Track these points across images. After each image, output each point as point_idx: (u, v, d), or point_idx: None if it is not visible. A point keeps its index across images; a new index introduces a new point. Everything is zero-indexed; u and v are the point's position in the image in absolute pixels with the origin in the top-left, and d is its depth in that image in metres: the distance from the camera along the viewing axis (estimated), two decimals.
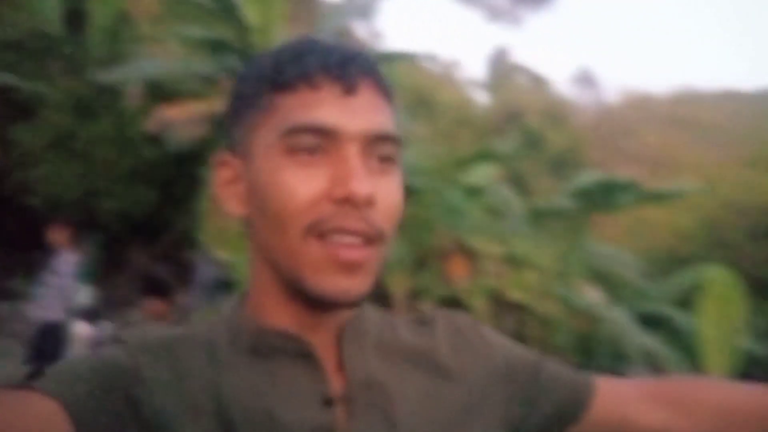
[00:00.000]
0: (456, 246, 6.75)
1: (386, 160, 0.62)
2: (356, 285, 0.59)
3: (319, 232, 0.58)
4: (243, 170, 0.64)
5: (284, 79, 0.61)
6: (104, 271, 6.57)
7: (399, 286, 6.40)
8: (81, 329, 5.42)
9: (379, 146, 0.61)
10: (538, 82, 21.88)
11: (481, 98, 25.30)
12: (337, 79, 0.60)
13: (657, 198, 7.38)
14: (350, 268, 0.58)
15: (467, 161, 8.27)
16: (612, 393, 0.75)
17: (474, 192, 8.15)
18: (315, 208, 0.58)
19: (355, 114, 0.60)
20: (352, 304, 0.61)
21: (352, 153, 0.59)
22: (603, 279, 7.83)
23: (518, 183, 10.00)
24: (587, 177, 8.01)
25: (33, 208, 7.37)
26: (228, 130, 0.67)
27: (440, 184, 7.16)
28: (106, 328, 6.50)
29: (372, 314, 0.70)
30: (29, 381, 0.55)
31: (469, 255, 6.71)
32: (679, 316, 6.71)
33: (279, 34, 7.07)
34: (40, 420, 0.51)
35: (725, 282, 5.48)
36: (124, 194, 7.43)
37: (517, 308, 6.67)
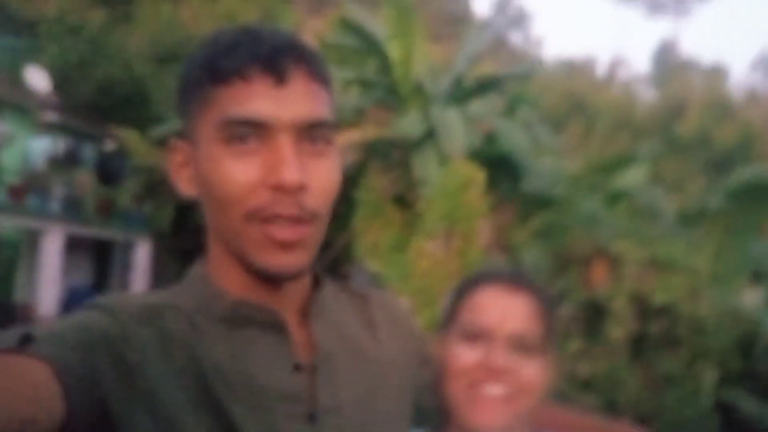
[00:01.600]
0: (596, 251, 6.78)
1: (321, 143, 0.65)
2: (294, 260, 0.64)
3: (257, 218, 0.63)
4: (191, 155, 0.68)
5: (219, 72, 0.64)
6: None
7: None
8: None
9: (313, 132, 0.64)
10: (709, 73, 20.16)
11: (647, 96, 23.82)
12: (268, 71, 0.63)
13: None
14: (287, 246, 0.64)
15: (609, 167, 8.21)
16: None
17: (618, 196, 8.06)
18: (252, 195, 0.63)
19: (286, 104, 0.64)
20: (294, 276, 0.66)
21: (284, 142, 0.63)
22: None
23: (674, 184, 9.48)
24: (744, 174, 7.55)
25: None
26: (178, 116, 0.71)
27: (578, 192, 7.24)
28: None
29: (328, 289, 0.76)
30: (20, 346, 0.54)
31: (610, 260, 6.70)
32: None
33: (419, 65, 7.69)
34: (34, 385, 0.51)
35: None
36: None
37: (664, 311, 6.53)
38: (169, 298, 0.68)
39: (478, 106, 8.24)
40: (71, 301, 10.94)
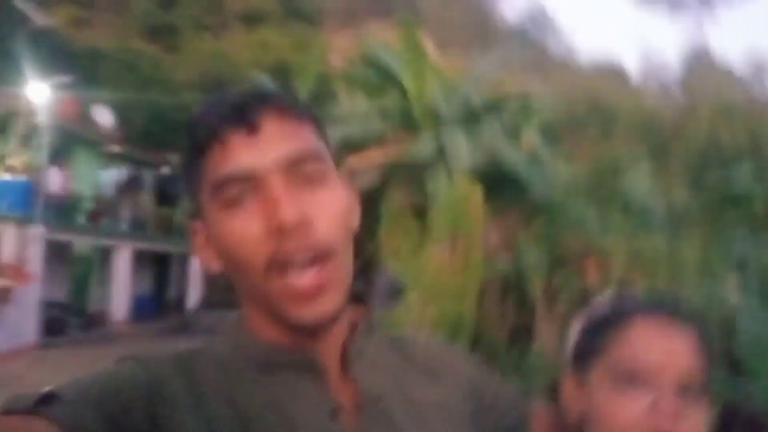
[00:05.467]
0: (587, 248, 7.73)
1: (313, 177, 0.66)
2: (321, 308, 0.64)
3: (274, 269, 0.63)
4: (208, 233, 0.69)
5: (198, 145, 0.67)
6: None
7: (536, 287, 7.60)
8: None
9: (301, 167, 0.66)
10: (731, 76, 20.55)
11: (669, 101, 24.25)
12: (238, 125, 0.65)
13: None
14: (310, 295, 0.63)
15: (605, 171, 9.14)
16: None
17: (612, 198, 8.99)
18: (262, 247, 0.63)
19: (264, 150, 0.65)
20: (329, 321, 0.66)
21: (273, 185, 0.64)
22: (748, 269, 8.08)
23: (671, 185, 10.31)
24: (721, 175, 8.39)
25: None
26: (192, 202, 0.72)
27: (572, 196, 8.22)
28: None
29: (365, 332, 0.76)
30: (41, 404, 0.53)
31: (600, 255, 7.64)
32: None
33: (432, 95, 8.78)
34: None
35: None
36: None
37: None
38: (202, 348, 0.68)
39: (489, 124, 9.28)
40: (137, 307, 12.54)
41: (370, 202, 9.79)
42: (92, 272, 12.62)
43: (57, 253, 11.56)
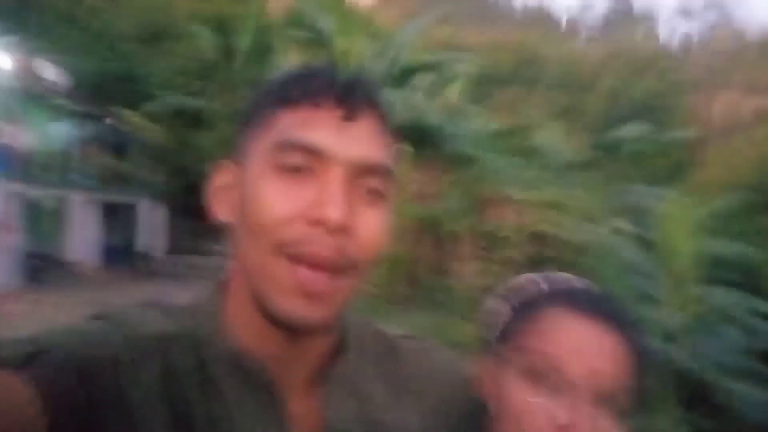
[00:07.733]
0: (499, 196, 8.79)
1: (374, 192, 0.60)
2: (317, 313, 0.58)
3: (289, 252, 0.57)
4: (240, 178, 0.62)
5: (289, 96, 0.60)
6: None
7: (458, 225, 8.64)
8: None
9: (368, 178, 0.60)
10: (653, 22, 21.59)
11: (595, 47, 25.46)
12: (339, 103, 0.59)
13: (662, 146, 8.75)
14: (314, 296, 0.57)
15: (520, 129, 10.18)
16: None
17: (526, 152, 10.04)
18: (289, 227, 0.57)
19: (349, 140, 0.59)
20: (311, 331, 0.60)
21: (337, 178, 0.58)
22: (636, 213, 9.33)
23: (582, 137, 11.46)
24: (618, 132, 9.54)
25: None
26: (236, 141, 0.65)
27: (489, 150, 9.21)
28: None
29: (354, 343, 0.68)
30: (22, 363, 0.53)
31: (509, 202, 8.71)
32: None
33: (361, 57, 9.44)
34: (15, 407, 0.49)
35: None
36: None
37: (543, 238, 8.50)
38: (182, 325, 0.64)
39: (415, 83, 10.06)
40: (106, 254, 13.37)
41: None
42: (56, 222, 13.11)
43: (24, 206, 11.98)
